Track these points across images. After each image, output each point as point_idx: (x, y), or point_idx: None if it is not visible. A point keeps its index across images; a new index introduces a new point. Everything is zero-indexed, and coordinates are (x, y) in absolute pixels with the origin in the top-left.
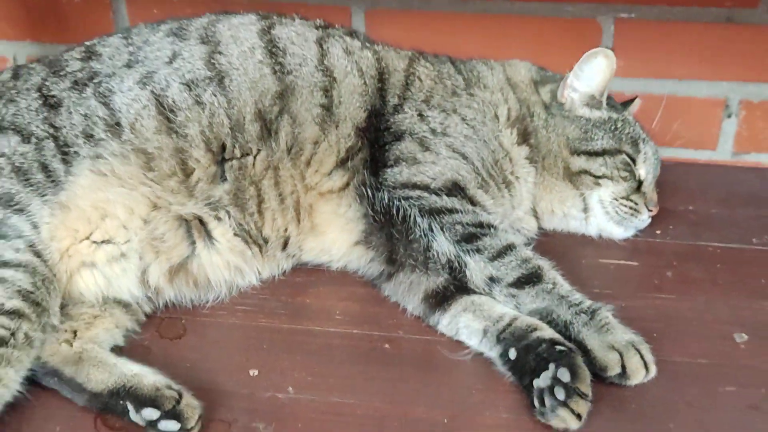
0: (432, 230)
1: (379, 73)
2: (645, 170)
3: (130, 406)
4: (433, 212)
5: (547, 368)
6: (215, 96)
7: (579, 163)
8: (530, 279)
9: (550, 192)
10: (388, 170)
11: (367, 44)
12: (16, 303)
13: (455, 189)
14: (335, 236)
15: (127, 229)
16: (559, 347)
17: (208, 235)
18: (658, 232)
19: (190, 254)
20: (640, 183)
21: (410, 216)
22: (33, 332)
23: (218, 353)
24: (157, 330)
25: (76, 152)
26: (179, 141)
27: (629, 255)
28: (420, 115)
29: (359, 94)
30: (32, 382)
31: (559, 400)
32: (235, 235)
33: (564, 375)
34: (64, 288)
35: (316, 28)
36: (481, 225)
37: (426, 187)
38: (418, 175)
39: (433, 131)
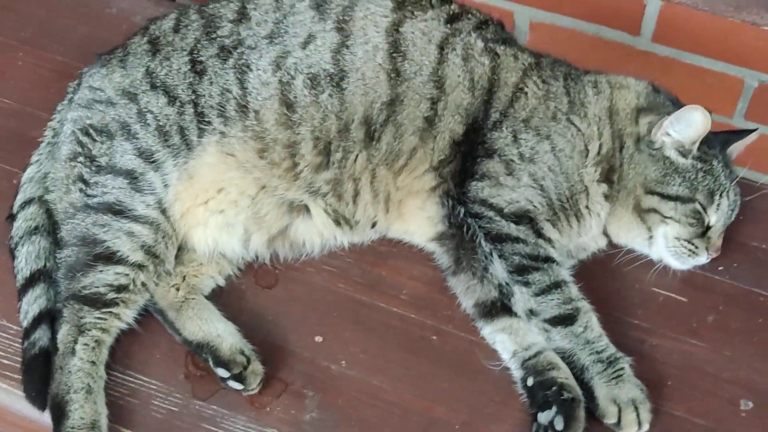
0: (492, 255)
1: (490, 85)
2: (715, 218)
3: (210, 360)
4: (498, 239)
5: (550, 408)
6: (331, 98)
7: (651, 202)
8: (565, 320)
9: (619, 220)
10: (473, 183)
11: (490, 45)
12: (139, 256)
13: (525, 218)
14: (416, 227)
15: (237, 205)
16: (566, 394)
17: (307, 212)
18: (720, 268)
19: (288, 225)
20: (707, 228)
21: (477, 237)
22: (149, 281)
23: (298, 311)
24: (254, 276)
25: (209, 122)
26: (292, 135)
27: (681, 288)
28: (515, 136)
29: (464, 108)
30: (147, 311)
31: None
32: (329, 216)
33: (558, 423)
34: (180, 239)
35: (447, 22)
36: (537, 258)
37: (500, 210)
38: (495, 197)
39: (521, 156)
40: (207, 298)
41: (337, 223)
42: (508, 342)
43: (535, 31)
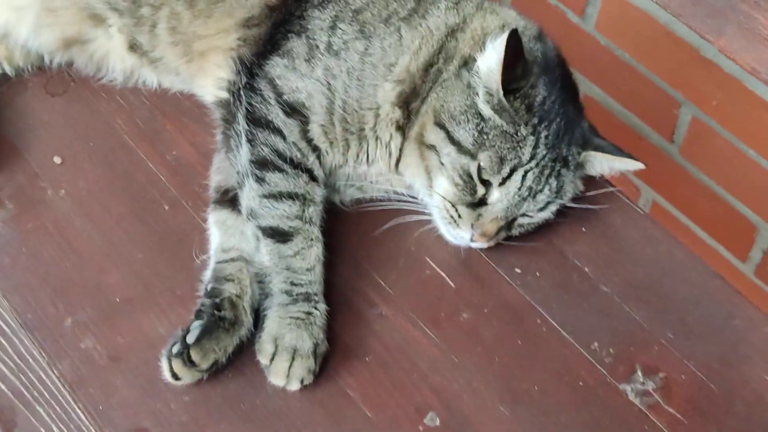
0: (242, 138)
1: None
2: (496, 196)
3: None
4: (258, 122)
5: (199, 319)
6: None
7: (435, 137)
8: (278, 234)
9: (406, 155)
10: (273, 58)
11: None
12: None
13: (298, 113)
14: (210, 85)
15: None
16: (223, 311)
17: (108, 28)
18: (517, 270)
19: (87, 35)
20: (482, 202)
21: (238, 114)
22: None
23: (60, 126)
24: (47, 79)
25: None
26: None
27: (457, 271)
28: (334, 23)
29: None
30: None
31: (171, 350)
32: (126, 38)
33: (191, 336)
34: None
35: None
36: (287, 160)
37: (279, 95)
38: (283, 79)
39: (329, 47)
40: None
41: (132, 49)
42: (216, 237)
43: (607, 1)
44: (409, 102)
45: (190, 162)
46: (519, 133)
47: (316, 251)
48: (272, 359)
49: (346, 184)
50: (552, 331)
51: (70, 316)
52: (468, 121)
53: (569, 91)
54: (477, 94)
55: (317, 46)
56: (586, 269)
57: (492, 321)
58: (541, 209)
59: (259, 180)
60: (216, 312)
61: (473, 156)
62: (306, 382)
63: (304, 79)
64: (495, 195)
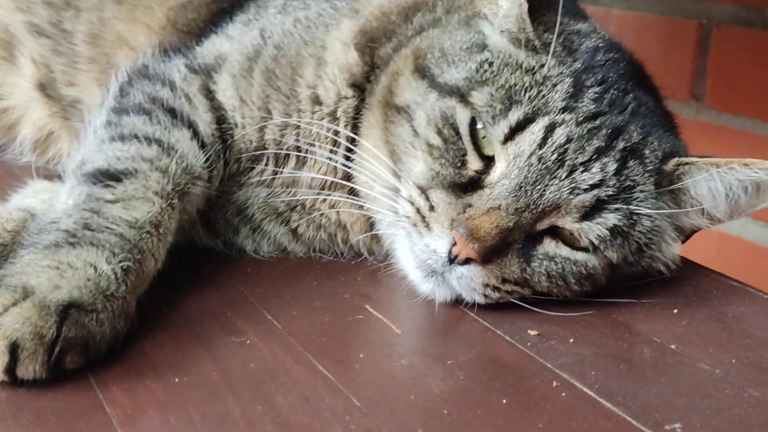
0: (111, 91)
1: None
2: (502, 167)
3: None
4: (143, 74)
5: None
6: None
7: (410, 92)
8: (103, 177)
9: (366, 133)
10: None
11: None
12: None
13: (207, 69)
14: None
15: None
16: None
17: (17, 58)
18: (532, 332)
19: None
20: (474, 184)
21: (120, 71)
22: None
23: None
24: None
25: None
26: None
27: (414, 321)
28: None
29: None
30: None
31: None
32: (38, 77)
33: None
34: None
35: None
36: (164, 107)
37: (193, 57)
38: (204, 46)
39: (282, 7)
40: None
41: (42, 88)
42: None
43: None
44: (374, 46)
45: None
46: (546, 69)
47: (158, 213)
48: None
49: (263, 211)
50: (582, 399)
51: None
52: (467, 57)
53: (650, 91)
54: (488, 26)
55: (266, 8)
56: (673, 346)
57: (456, 373)
58: (590, 212)
59: (109, 123)
60: None
61: (463, 96)
62: (28, 365)
63: (232, 41)
64: (499, 166)
